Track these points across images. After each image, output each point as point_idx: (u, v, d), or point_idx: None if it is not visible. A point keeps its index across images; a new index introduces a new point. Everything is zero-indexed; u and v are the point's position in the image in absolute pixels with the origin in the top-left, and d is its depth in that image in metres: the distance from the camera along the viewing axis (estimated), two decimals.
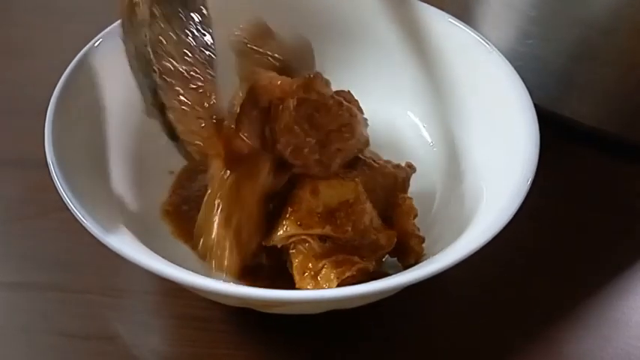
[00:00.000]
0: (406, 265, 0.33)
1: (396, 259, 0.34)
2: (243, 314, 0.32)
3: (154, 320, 0.35)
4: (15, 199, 0.39)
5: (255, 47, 0.34)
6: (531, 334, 0.34)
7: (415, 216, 0.34)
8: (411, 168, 0.36)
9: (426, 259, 0.33)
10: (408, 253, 0.33)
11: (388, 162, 0.35)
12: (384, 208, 0.34)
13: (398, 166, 0.35)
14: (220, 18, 0.41)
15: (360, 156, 0.34)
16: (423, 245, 0.34)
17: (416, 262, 0.33)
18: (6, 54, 0.49)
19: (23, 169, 0.40)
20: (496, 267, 0.36)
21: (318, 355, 0.33)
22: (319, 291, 0.30)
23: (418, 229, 0.34)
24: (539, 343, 0.34)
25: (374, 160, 0.34)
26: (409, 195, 0.35)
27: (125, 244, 0.28)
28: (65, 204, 0.29)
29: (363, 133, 0.34)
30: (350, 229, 0.31)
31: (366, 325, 0.34)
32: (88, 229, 0.28)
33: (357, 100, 0.36)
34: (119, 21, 0.30)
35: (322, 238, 0.31)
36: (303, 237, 0.31)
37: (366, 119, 0.40)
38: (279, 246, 0.32)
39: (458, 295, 0.36)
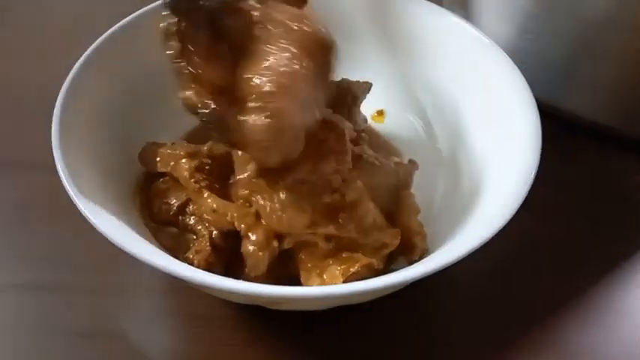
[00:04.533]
0: (411, 261, 0.33)
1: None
2: (251, 311, 0.33)
3: (161, 319, 0.35)
4: (21, 201, 0.39)
5: None
6: (535, 326, 0.34)
7: (418, 213, 0.34)
8: (413, 165, 0.36)
9: (429, 255, 0.33)
10: (412, 250, 0.34)
11: (390, 160, 0.36)
12: (388, 205, 0.34)
13: (400, 163, 0.36)
14: None
15: (363, 155, 0.34)
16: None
17: (420, 259, 0.33)
18: (9, 56, 0.49)
19: (29, 171, 0.40)
20: (499, 260, 0.36)
21: (323, 350, 0.33)
22: (325, 287, 0.30)
23: (421, 226, 0.34)
24: (543, 335, 0.34)
25: (376, 159, 0.35)
26: (412, 192, 0.35)
27: (133, 243, 0.29)
28: (72, 205, 0.29)
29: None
30: (353, 228, 0.32)
31: (369, 320, 0.34)
32: (97, 228, 0.28)
33: None
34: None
35: (327, 238, 0.32)
36: (309, 238, 0.31)
37: (364, 116, 0.40)
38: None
39: (461, 288, 0.36)
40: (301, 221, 0.31)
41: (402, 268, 0.32)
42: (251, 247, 0.31)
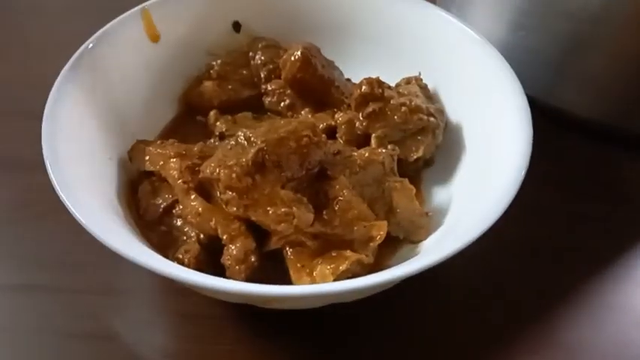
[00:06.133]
0: (417, 241, 0.34)
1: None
2: (244, 310, 0.33)
3: (155, 318, 0.35)
4: (13, 201, 0.40)
5: None
6: (528, 322, 0.35)
7: (413, 193, 0.35)
8: (393, 150, 0.36)
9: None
10: (418, 232, 0.35)
11: (366, 150, 0.36)
12: (379, 196, 0.34)
13: (380, 152, 0.36)
14: (219, 14, 0.41)
15: (342, 150, 0.35)
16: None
17: (426, 237, 0.34)
18: (3, 56, 0.49)
19: (19, 171, 0.40)
20: (491, 256, 0.36)
21: (315, 348, 0.33)
22: (315, 286, 0.30)
23: (420, 205, 0.35)
24: (536, 331, 0.34)
25: (353, 153, 0.35)
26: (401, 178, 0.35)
27: (125, 244, 0.29)
28: (64, 206, 0.29)
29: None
30: (338, 223, 0.32)
31: (362, 318, 0.34)
32: (88, 229, 0.28)
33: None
34: None
35: (314, 236, 0.32)
36: (296, 236, 0.32)
37: None
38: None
39: (454, 285, 0.36)
40: (308, 214, 0.31)
41: (401, 261, 0.32)
42: (228, 262, 0.31)
